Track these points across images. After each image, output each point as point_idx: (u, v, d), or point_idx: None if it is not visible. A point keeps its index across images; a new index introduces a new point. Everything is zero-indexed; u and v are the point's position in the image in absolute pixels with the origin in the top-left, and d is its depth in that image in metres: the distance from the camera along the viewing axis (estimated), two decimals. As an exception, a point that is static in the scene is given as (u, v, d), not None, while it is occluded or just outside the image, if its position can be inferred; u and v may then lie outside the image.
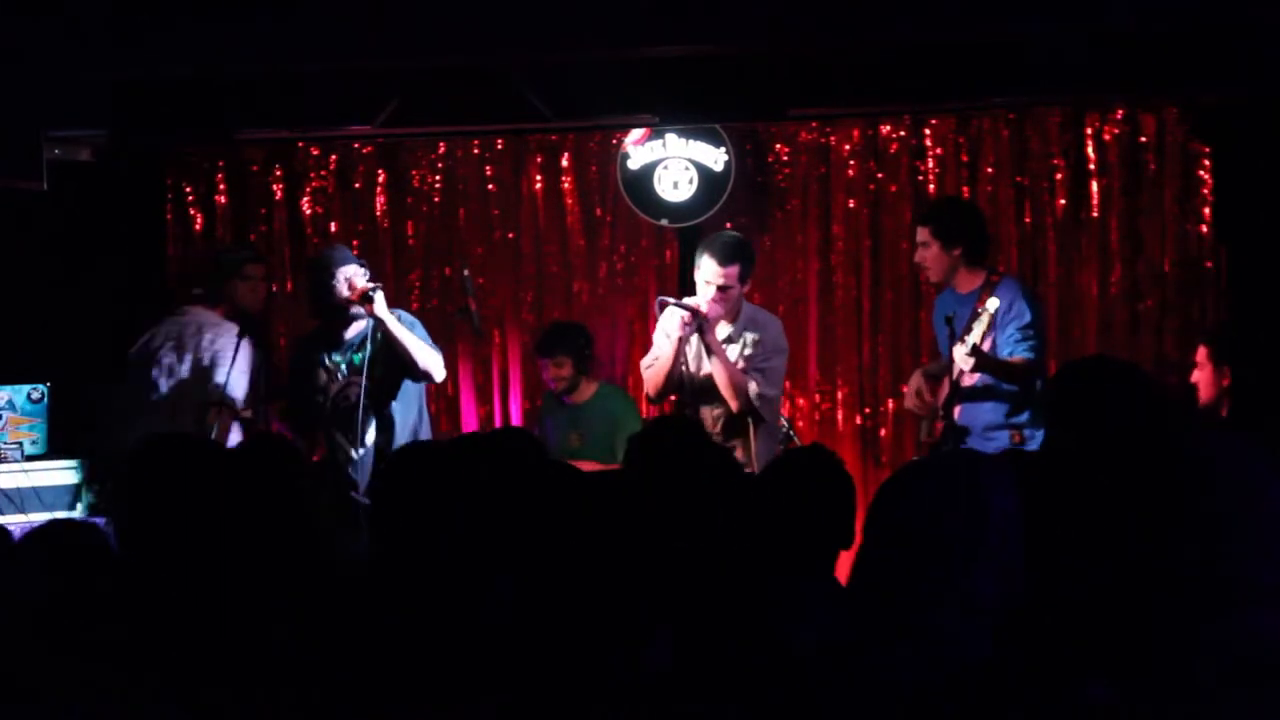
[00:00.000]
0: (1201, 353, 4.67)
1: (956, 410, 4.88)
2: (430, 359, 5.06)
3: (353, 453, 5.07)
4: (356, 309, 5.05)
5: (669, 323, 4.93)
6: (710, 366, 4.86)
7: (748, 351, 4.89)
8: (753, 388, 4.82)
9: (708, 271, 4.83)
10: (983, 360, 4.68)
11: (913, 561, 1.87)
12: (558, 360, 5.93)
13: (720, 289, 4.81)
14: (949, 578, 1.85)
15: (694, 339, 4.88)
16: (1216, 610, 1.60)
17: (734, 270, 4.82)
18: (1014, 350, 4.80)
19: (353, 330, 5.14)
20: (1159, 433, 2.37)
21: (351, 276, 5.06)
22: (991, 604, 1.84)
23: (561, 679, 2.05)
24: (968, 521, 1.86)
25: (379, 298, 4.95)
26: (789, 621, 2.37)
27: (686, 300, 4.89)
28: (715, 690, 2.03)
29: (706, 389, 4.90)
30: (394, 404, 5.14)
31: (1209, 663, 1.59)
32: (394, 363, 5.05)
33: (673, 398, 5.01)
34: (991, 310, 4.69)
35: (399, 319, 5.06)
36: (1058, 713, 1.71)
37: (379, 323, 4.97)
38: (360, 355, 5.04)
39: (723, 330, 4.93)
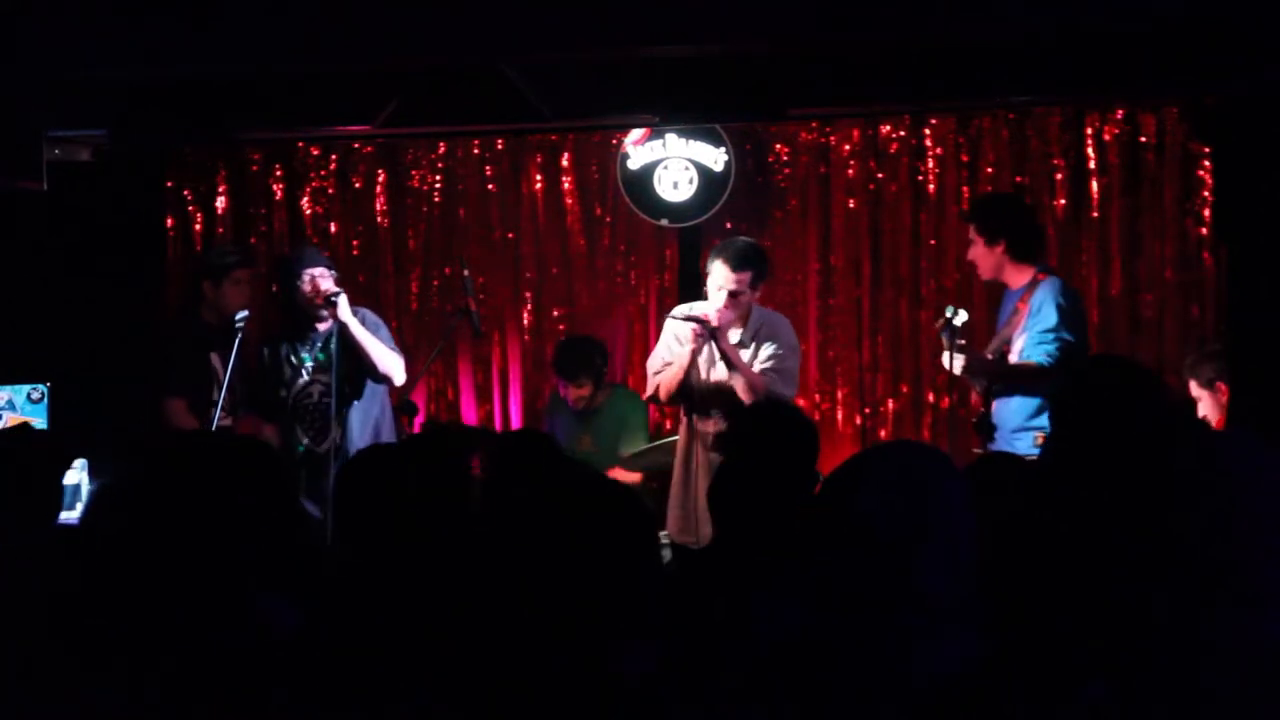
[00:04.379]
0: (1191, 386, 4.77)
1: (993, 406, 4.87)
2: (391, 362, 5.21)
3: (316, 449, 5.24)
4: (321, 310, 5.18)
5: (680, 329, 4.93)
6: (722, 373, 4.87)
7: (764, 354, 4.90)
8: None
9: (719, 277, 4.84)
10: (971, 367, 4.78)
11: (859, 563, 1.86)
12: (579, 383, 5.94)
13: (731, 295, 4.82)
14: (895, 577, 1.83)
15: (705, 346, 4.88)
16: (1220, 610, 1.60)
17: (746, 276, 4.83)
18: (1031, 354, 4.77)
19: (321, 328, 5.26)
20: (1162, 431, 2.36)
21: (317, 277, 5.18)
22: (944, 602, 1.82)
23: (538, 681, 2.02)
24: (907, 520, 1.84)
25: (342, 302, 5.09)
26: (767, 622, 2.35)
27: (694, 311, 4.88)
28: (699, 692, 2.01)
29: (713, 396, 4.89)
30: (356, 403, 5.25)
31: (1211, 663, 1.59)
32: (356, 364, 5.16)
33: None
34: (958, 324, 4.74)
35: (363, 320, 5.19)
36: (1055, 714, 1.70)
37: (342, 326, 5.09)
38: (325, 354, 5.20)
39: (734, 335, 4.92)
